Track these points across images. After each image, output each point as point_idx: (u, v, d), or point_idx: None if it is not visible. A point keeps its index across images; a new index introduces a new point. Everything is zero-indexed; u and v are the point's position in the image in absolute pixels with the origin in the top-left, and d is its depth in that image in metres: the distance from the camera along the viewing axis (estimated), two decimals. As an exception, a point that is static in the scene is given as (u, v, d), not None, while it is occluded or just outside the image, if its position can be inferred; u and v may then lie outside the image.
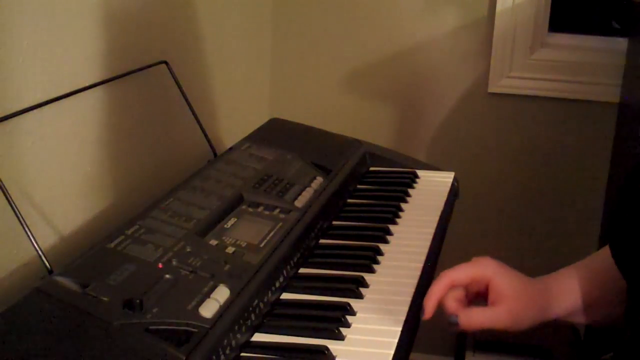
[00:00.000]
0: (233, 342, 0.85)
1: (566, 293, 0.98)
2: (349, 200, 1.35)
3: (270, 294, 0.97)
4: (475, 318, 0.91)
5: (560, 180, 2.06)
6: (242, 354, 0.87)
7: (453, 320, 0.90)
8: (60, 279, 0.86)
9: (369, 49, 2.09)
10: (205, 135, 1.41)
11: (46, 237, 1.12)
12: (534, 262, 2.11)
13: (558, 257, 2.09)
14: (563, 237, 2.10)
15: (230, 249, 1.00)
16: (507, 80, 2.02)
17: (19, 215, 0.95)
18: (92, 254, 0.93)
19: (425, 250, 1.14)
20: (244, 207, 1.14)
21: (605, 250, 1.02)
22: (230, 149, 1.36)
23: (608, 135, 1.97)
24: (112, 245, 0.95)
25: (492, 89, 2.03)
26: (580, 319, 1.01)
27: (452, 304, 0.92)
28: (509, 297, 0.92)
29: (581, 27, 2.05)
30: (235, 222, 1.08)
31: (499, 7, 1.96)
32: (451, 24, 2.02)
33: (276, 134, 1.48)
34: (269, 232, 1.07)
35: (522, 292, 0.93)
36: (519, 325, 0.93)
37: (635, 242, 0.85)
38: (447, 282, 0.94)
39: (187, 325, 0.82)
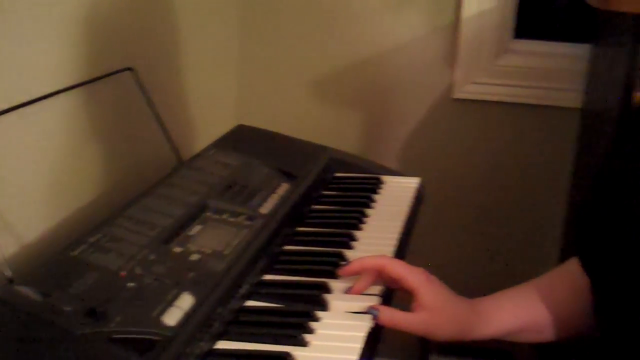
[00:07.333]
0: (197, 350, 0.85)
1: (497, 316, 1.01)
2: (314, 207, 1.35)
3: (234, 301, 0.97)
4: (393, 317, 0.97)
5: (524, 184, 2.09)
6: (206, 362, 0.87)
7: (373, 313, 0.96)
8: (21, 288, 0.85)
9: (335, 56, 2.10)
10: (171, 142, 1.41)
11: (7, 246, 1.10)
12: (497, 267, 2.15)
13: (520, 261, 2.12)
14: (525, 241, 2.12)
15: (194, 256, 1.00)
16: (471, 86, 2.04)
17: (-21, 224, 0.94)
18: (54, 262, 0.93)
19: (390, 256, 1.14)
20: (208, 214, 1.14)
21: (566, 266, 1.03)
22: (196, 155, 1.36)
23: (571, 140, 2.00)
24: (75, 253, 0.94)
25: (457, 94, 2.05)
26: (533, 338, 1.04)
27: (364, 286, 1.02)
28: (428, 309, 0.97)
29: (545, 34, 2.07)
30: (200, 229, 1.08)
31: (464, 13, 1.98)
32: (417, 30, 2.03)
33: (242, 140, 1.48)
34: (234, 239, 1.07)
35: (443, 309, 0.98)
36: (433, 336, 0.98)
37: (602, 241, 0.87)
38: (380, 266, 1.01)
39: (151, 333, 0.82)
